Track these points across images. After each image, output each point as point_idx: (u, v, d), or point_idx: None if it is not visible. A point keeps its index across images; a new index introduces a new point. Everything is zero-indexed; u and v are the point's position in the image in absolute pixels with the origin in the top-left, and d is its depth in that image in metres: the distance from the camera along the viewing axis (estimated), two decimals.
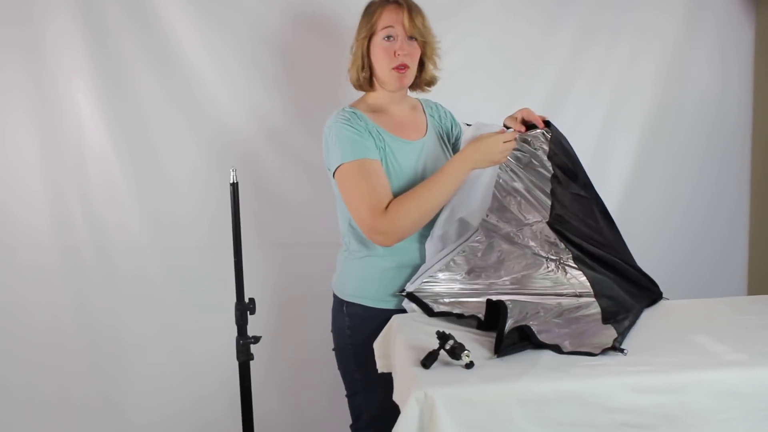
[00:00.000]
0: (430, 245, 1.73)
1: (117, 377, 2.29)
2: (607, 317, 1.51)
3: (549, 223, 1.71)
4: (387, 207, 1.64)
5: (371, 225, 1.64)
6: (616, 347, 1.35)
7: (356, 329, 1.79)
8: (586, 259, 1.69)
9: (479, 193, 1.72)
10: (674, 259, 2.50)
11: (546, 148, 1.69)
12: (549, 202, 1.71)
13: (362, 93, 1.86)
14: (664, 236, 2.53)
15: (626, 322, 1.49)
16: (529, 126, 1.69)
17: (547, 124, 1.69)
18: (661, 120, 2.48)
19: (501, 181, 1.75)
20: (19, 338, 2.23)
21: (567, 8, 2.37)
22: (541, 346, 1.36)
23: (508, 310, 1.44)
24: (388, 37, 1.72)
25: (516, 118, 1.70)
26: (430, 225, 1.73)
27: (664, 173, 2.52)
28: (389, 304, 1.75)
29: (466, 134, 1.71)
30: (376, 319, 1.69)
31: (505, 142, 1.64)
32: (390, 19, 1.72)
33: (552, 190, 1.70)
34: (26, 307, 2.22)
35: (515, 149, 1.71)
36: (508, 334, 1.36)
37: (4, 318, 2.21)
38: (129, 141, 2.20)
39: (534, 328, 1.39)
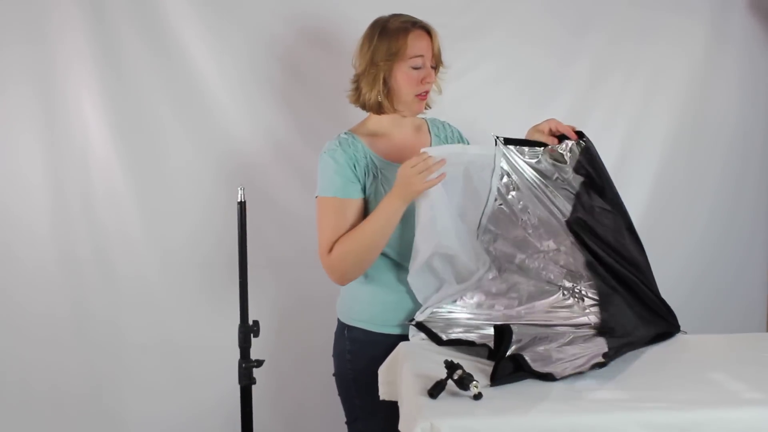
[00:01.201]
0: (416, 279, 1.70)
1: (115, 402, 2.28)
2: (605, 329, 1.50)
3: (568, 222, 1.69)
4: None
5: (323, 263, 1.72)
6: (605, 363, 1.34)
7: (357, 354, 1.79)
8: (598, 267, 1.67)
9: (443, 224, 1.67)
10: (694, 291, 2.47)
11: (575, 162, 1.68)
12: (567, 228, 1.70)
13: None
14: (682, 267, 2.50)
15: (623, 340, 1.47)
16: (561, 137, 1.68)
17: (580, 134, 1.68)
18: (677, 155, 2.47)
19: (513, 199, 1.73)
20: (16, 340, 2.23)
21: (584, 38, 2.38)
22: (534, 374, 1.36)
23: (513, 335, 1.43)
24: (416, 65, 1.72)
25: (543, 131, 1.69)
26: None
27: (679, 210, 2.50)
28: (392, 330, 1.75)
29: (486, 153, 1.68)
30: (378, 345, 1.71)
31: (412, 167, 1.58)
32: (420, 47, 1.72)
33: (577, 194, 1.68)
34: (24, 315, 2.22)
35: (543, 160, 1.70)
36: (502, 363, 1.36)
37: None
38: (136, 156, 2.22)
39: (528, 357, 1.38)
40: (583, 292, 1.71)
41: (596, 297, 1.64)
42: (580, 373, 1.35)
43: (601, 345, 1.44)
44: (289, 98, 2.28)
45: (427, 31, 1.75)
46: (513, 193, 1.74)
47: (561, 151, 1.70)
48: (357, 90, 1.79)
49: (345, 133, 1.79)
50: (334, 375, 1.87)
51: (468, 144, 1.92)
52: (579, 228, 1.69)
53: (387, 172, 1.75)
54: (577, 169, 1.68)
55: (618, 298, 1.64)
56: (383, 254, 1.74)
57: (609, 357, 1.38)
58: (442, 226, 1.66)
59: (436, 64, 1.78)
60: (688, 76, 2.45)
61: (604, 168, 1.71)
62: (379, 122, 1.82)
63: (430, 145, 1.85)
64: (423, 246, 1.66)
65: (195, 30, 2.20)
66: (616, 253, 1.69)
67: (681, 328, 1.70)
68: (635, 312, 1.64)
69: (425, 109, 1.84)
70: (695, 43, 2.44)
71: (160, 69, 2.20)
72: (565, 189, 1.72)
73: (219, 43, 2.22)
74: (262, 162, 2.28)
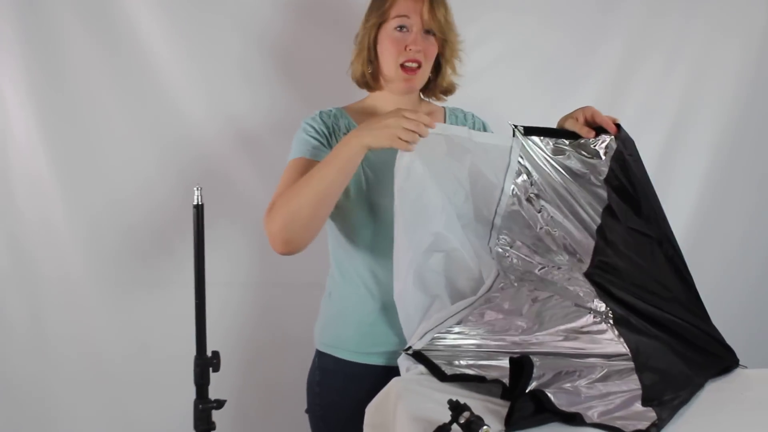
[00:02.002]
0: (404, 298, 1.55)
1: None
2: (651, 397, 1.37)
3: (587, 274, 1.57)
4: None
5: (264, 225, 1.58)
6: None
7: (326, 386, 1.72)
8: (631, 319, 1.55)
9: (435, 209, 1.55)
10: (753, 318, 2.38)
11: (608, 168, 1.56)
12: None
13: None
14: (739, 290, 2.40)
15: (674, 403, 1.36)
16: (598, 130, 1.57)
17: (619, 128, 1.56)
18: (730, 154, 2.36)
19: (533, 202, 1.63)
20: None
21: (616, 11, 2.27)
22: (558, 414, 1.27)
23: (534, 369, 1.34)
24: (401, 27, 1.65)
25: (577, 119, 1.57)
26: None
27: (739, 213, 2.40)
28: (368, 359, 1.68)
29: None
30: (351, 376, 1.68)
31: (402, 113, 1.46)
32: (406, 6, 1.65)
33: (600, 228, 1.57)
34: None
35: (572, 156, 1.59)
36: (520, 403, 1.27)
37: None
38: (67, 149, 2.10)
39: (551, 394, 1.30)
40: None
41: (631, 360, 1.52)
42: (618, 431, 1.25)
43: (649, 414, 1.32)
44: (258, 79, 2.17)
45: None
46: (532, 195, 1.63)
47: (595, 147, 1.59)
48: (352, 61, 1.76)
49: (331, 108, 1.75)
50: (306, 411, 1.79)
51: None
52: (602, 277, 1.58)
53: (372, 152, 1.64)
54: (608, 179, 1.57)
55: (662, 351, 1.52)
56: (353, 249, 1.66)
57: (656, 429, 1.25)
58: (433, 211, 1.53)
59: (437, 31, 1.68)
60: (743, 58, 2.33)
61: (643, 173, 1.58)
62: (375, 100, 1.77)
63: None
64: (405, 245, 1.51)
65: None
66: (648, 291, 1.58)
67: (740, 362, 1.57)
68: (684, 359, 1.51)
69: (446, 95, 1.80)
70: (753, 17, 2.32)
71: (98, 41, 2.08)
72: (598, 193, 1.60)
73: (171, 12, 2.11)
74: (224, 156, 2.17)
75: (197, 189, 1.62)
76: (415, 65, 1.66)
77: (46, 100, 2.09)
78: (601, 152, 1.58)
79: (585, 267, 1.60)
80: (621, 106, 2.27)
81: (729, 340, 1.61)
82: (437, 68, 1.75)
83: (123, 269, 2.17)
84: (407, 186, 1.50)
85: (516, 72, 2.27)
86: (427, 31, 1.67)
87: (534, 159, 1.60)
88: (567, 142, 1.59)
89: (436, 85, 1.78)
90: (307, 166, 1.58)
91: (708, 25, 2.31)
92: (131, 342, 2.19)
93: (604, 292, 1.56)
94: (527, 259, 1.65)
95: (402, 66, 1.66)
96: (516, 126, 1.57)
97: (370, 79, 1.72)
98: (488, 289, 1.62)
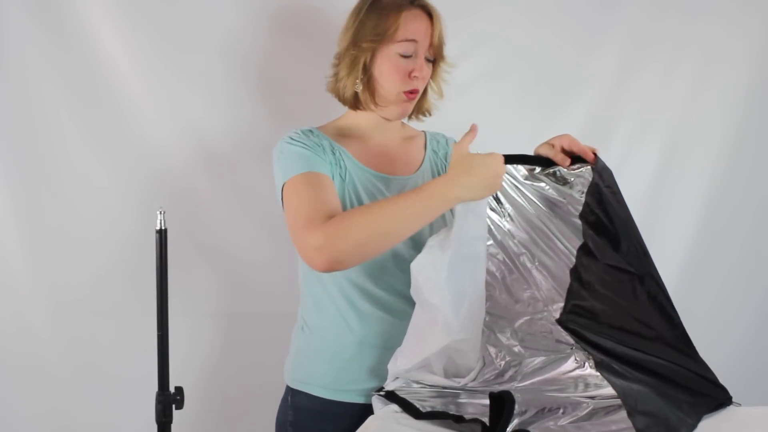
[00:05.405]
0: (399, 372, 1.57)
1: None
2: None
3: (560, 321, 1.56)
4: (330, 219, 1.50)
5: (303, 238, 1.49)
6: None
7: (299, 426, 1.72)
8: (613, 364, 1.55)
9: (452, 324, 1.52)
10: (749, 358, 2.36)
11: (583, 203, 1.56)
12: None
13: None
14: (736, 327, 2.42)
15: None
16: (575, 158, 1.58)
17: (596, 158, 1.58)
18: (735, 170, 2.38)
19: (509, 234, 1.65)
20: None
21: (614, 13, 2.30)
22: None
23: (516, 405, 1.37)
24: (405, 53, 1.65)
25: (553, 146, 1.58)
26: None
27: (739, 243, 2.41)
28: (345, 396, 1.68)
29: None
30: (328, 415, 1.67)
31: (499, 163, 1.50)
32: (415, 30, 1.65)
33: (574, 269, 1.55)
34: None
35: (546, 185, 1.61)
36: None
37: None
38: (18, 169, 2.09)
39: None
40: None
41: (616, 398, 1.54)
42: None
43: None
44: (227, 97, 2.17)
45: (428, 12, 1.68)
46: (507, 226, 1.66)
47: (570, 176, 1.60)
48: (335, 75, 1.74)
49: (308, 128, 1.72)
50: None
51: None
52: (576, 323, 1.57)
53: (356, 174, 1.66)
54: (583, 214, 1.56)
55: (649, 394, 1.54)
56: (329, 277, 1.65)
57: None
58: (469, 305, 1.52)
59: (435, 57, 1.70)
60: (751, 63, 2.35)
61: (622, 206, 1.58)
62: (355, 120, 1.76)
63: (422, 162, 1.78)
64: (417, 347, 1.54)
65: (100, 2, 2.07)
66: (629, 333, 1.59)
67: (733, 399, 1.60)
68: (672, 401, 1.53)
69: (424, 115, 1.81)
70: (762, 17, 2.34)
71: (53, 55, 2.07)
72: (578, 222, 1.61)
73: (133, 25, 2.10)
74: (189, 177, 2.16)
75: (160, 213, 1.65)
76: (414, 93, 1.68)
77: None
78: (576, 180, 1.60)
79: (560, 309, 1.59)
80: (614, 124, 2.32)
81: (729, 375, 1.62)
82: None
83: (78, 297, 2.15)
84: (425, 283, 1.49)
85: (503, 86, 2.29)
86: (428, 59, 1.69)
87: (506, 189, 1.62)
88: (539, 169, 1.60)
89: (418, 106, 1.78)
90: (318, 178, 1.58)
91: (709, 32, 2.32)
92: (88, 376, 2.16)
93: (580, 339, 1.56)
94: (503, 313, 1.67)
95: (404, 93, 1.67)
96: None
97: (366, 100, 1.71)
98: (473, 380, 1.62)
